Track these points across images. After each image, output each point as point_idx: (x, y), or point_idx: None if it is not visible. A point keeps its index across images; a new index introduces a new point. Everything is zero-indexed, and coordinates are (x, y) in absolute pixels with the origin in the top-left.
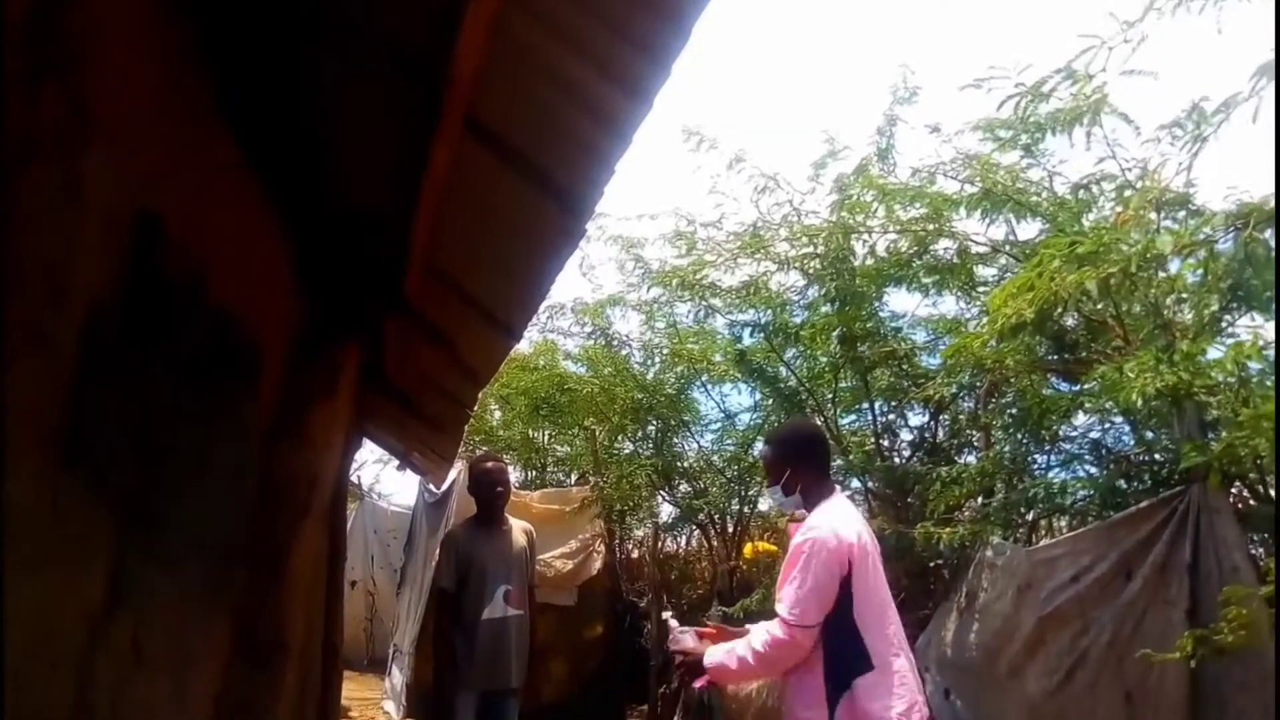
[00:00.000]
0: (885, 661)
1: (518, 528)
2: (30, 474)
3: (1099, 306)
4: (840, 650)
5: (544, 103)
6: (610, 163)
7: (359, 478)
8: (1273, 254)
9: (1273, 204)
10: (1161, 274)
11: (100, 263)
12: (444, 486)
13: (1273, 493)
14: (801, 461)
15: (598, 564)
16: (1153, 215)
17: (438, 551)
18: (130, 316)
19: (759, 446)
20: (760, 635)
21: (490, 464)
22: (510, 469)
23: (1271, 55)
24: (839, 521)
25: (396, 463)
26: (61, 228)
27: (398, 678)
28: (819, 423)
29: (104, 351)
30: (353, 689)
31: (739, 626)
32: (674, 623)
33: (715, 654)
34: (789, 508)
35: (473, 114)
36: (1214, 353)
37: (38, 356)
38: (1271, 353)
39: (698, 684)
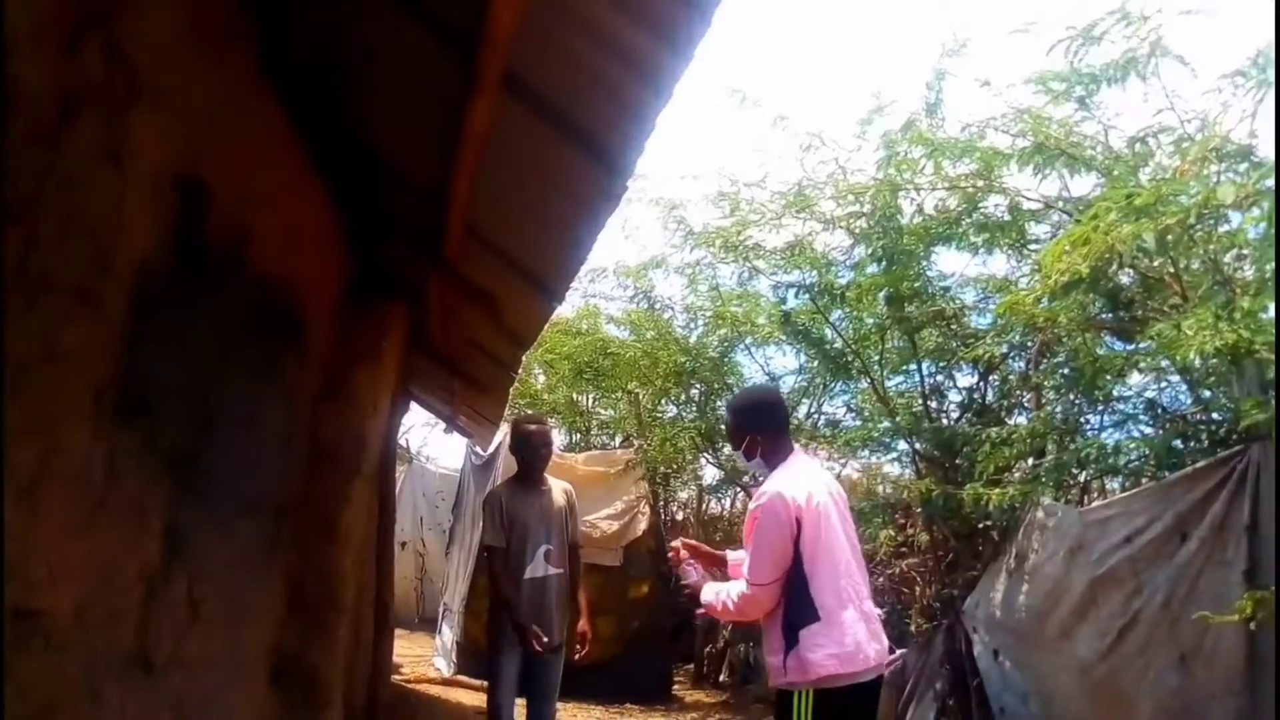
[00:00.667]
0: (831, 613)
1: (558, 488)
2: (84, 428)
3: (1156, 263)
4: (791, 603)
5: (582, 56)
6: (650, 118)
7: (407, 441)
8: None
9: None
10: (1222, 228)
11: (147, 225)
12: (490, 449)
13: None
14: (758, 427)
15: (643, 525)
16: (1213, 167)
17: (482, 512)
18: (177, 279)
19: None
20: (736, 587)
21: (534, 425)
22: (554, 431)
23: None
24: (787, 484)
25: (444, 426)
26: (108, 188)
27: (447, 635)
28: (867, 384)
29: (154, 314)
30: (404, 646)
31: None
32: (684, 551)
33: (707, 593)
34: (754, 470)
35: (511, 70)
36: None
37: (87, 316)
38: None
39: (698, 612)
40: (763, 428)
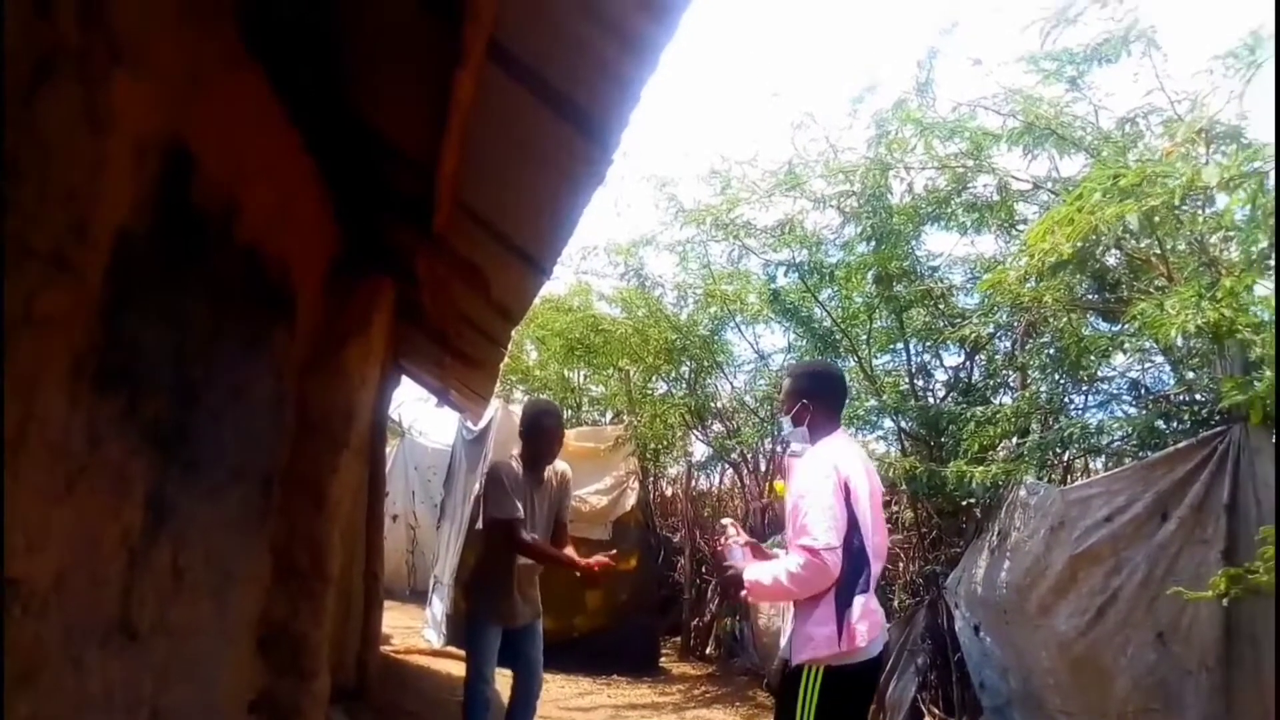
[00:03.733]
0: (872, 585)
1: (555, 472)
2: (62, 396)
3: (1142, 244)
4: (850, 571)
5: (567, 25)
6: (635, 89)
7: (399, 416)
8: None
9: None
10: (1208, 210)
11: (128, 191)
12: (481, 424)
13: None
14: (816, 397)
15: (631, 500)
16: (1201, 149)
17: (488, 485)
18: (161, 249)
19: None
20: (796, 559)
21: (553, 421)
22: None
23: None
24: (838, 457)
25: (435, 401)
26: (85, 153)
27: (438, 607)
28: (854, 363)
29: (134, 283)
30: (395, 618)
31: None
32: (732, 530)
33: (753, 571)
34: (795, 439)
35: (496, 40)
36: (1261, 289)
37: (62, 284)
38: None
39: (739, 596)
40: (816, 397)
